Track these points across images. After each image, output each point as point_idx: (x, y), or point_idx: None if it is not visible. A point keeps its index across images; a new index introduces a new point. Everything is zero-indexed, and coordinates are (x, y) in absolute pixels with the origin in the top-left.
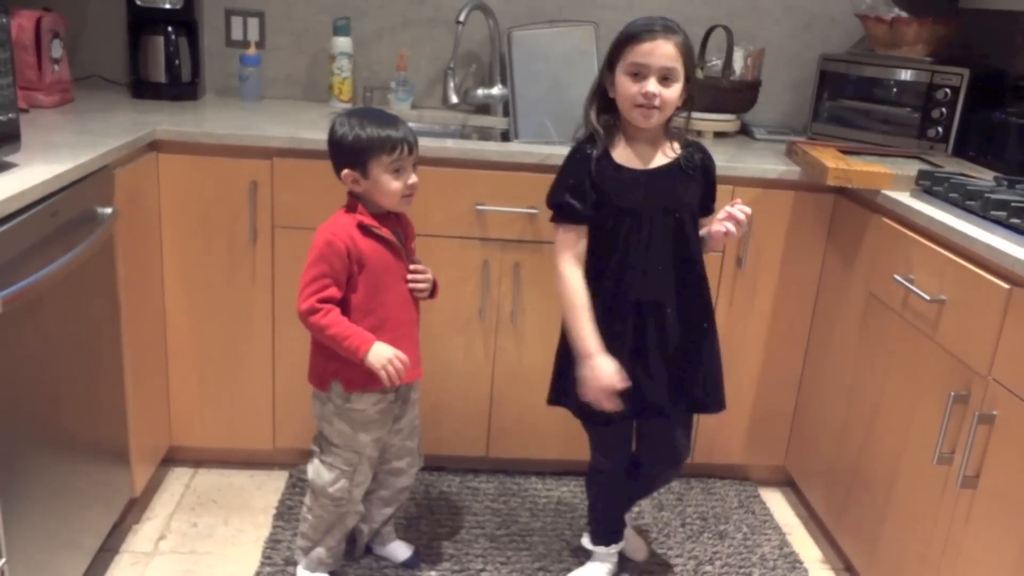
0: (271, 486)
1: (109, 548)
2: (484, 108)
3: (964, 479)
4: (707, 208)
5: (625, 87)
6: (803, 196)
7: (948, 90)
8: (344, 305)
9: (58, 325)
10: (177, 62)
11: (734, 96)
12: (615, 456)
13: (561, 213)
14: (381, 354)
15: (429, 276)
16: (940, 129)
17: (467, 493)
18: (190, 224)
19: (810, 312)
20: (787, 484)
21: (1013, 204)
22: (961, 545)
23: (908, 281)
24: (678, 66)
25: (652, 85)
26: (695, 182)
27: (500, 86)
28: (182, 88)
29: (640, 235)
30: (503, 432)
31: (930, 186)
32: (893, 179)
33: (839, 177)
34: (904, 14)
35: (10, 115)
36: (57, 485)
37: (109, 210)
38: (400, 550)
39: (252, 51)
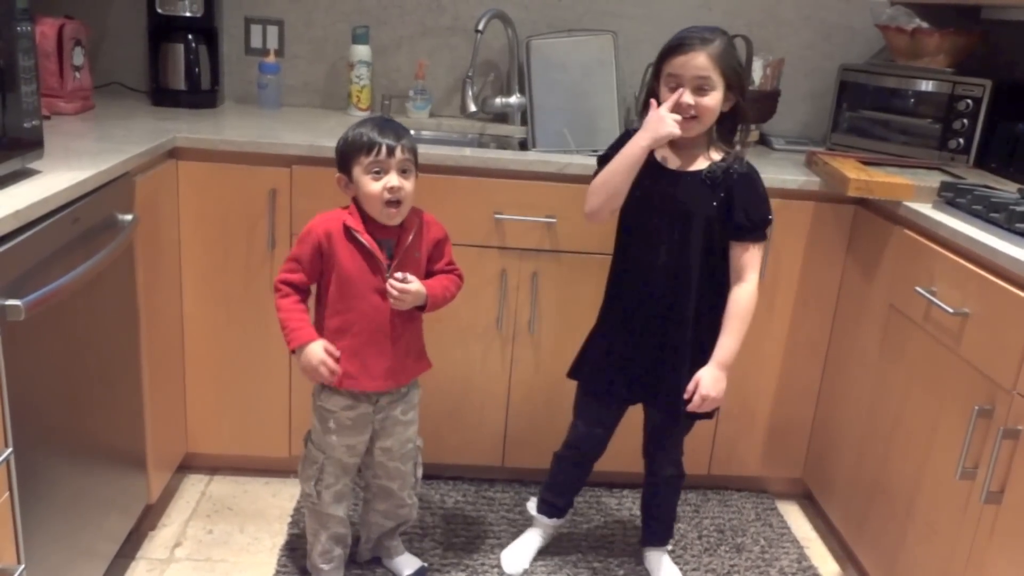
0: (287, 493)
1: (125, 554)
2: (502, 117)
3: (988, 494)
4: (736, 231)
5: (664, 97)
6: (823, 207)
7: (970, 101)
8: (321, 298)
9: (78, 331)
10: (197, 70)
11: (753, 106)
12: (592, 432)
13: (600, 161)
14: (308, 355)
15: (410, 289)
16: (961, 140)
17: (483, 503)
18: (209, 231)
19: (829, 324)
20: (805, 497)
21: None
22: (984, 562)
23: (930, 293)
24: (712, 75)
25: (687, 96)
26: (715, 196)
27: (518, 95)
28: (202, 96)
29: (651, 223)
30: (519, 442)
31: (953, 198)
32: (915, 190)
33: (860, 188)
34: (925, 25)
35: (34, 122)
36: (75, 491)
37: (129, 217)
38: (406, 565)
39: (271, 59)
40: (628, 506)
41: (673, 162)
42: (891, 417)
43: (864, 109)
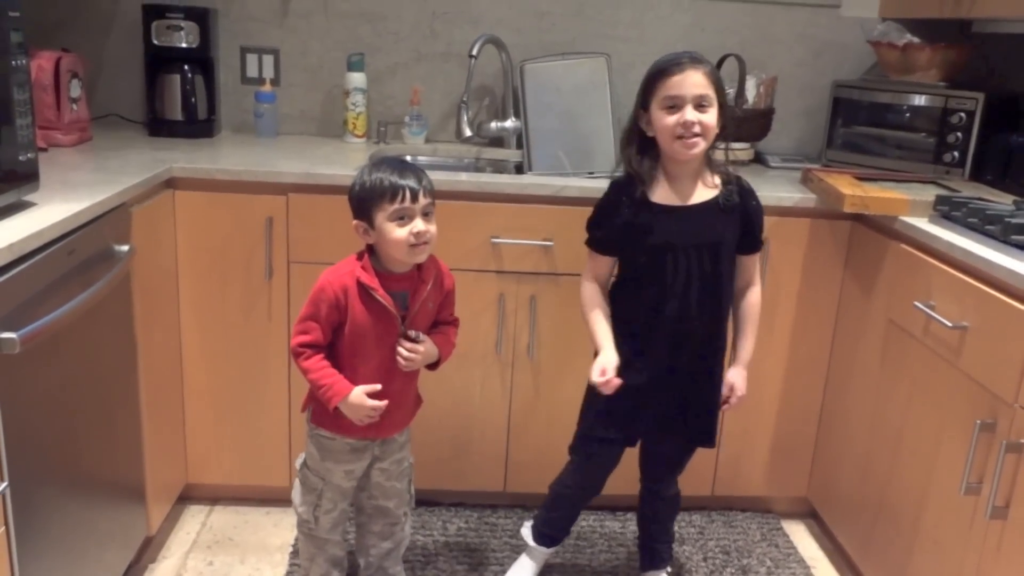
0: (287, 523)
1: None
2: (498, 141)
3: (993, 509)
4: (751, 247)
5: (662, 121)
6: (819, 223)
7: (963, 114)
8: (333, 349)
9: (75, 363)
10: (193, 100)
11: (748, 124)
12: (599, 473)
13: (589, 241)
14: (353, 408)
15: (421, 351)
16: (956, 154)
17: (485, 529)
18: (206, 260)
19: (829, 340)
20: (810, 516)
21: None
22: None
23: (929, 308)
24: (710, 92)
25: (690, 113)
26: (733, 220)
27: (513, 119)
28: (198, 125)
29: (678, 268)
30: (521, 466)
31: (948, 211)
32: (910, 205)
33: (856, 204)
34: (916, 40)
35: (29, 155)
36: (73, 524)
37: (126, 248)
38: None
39: (267, 88)
40: (632, 529)
41: (674, 200)
42: (894, 433)
43: (858, 125)
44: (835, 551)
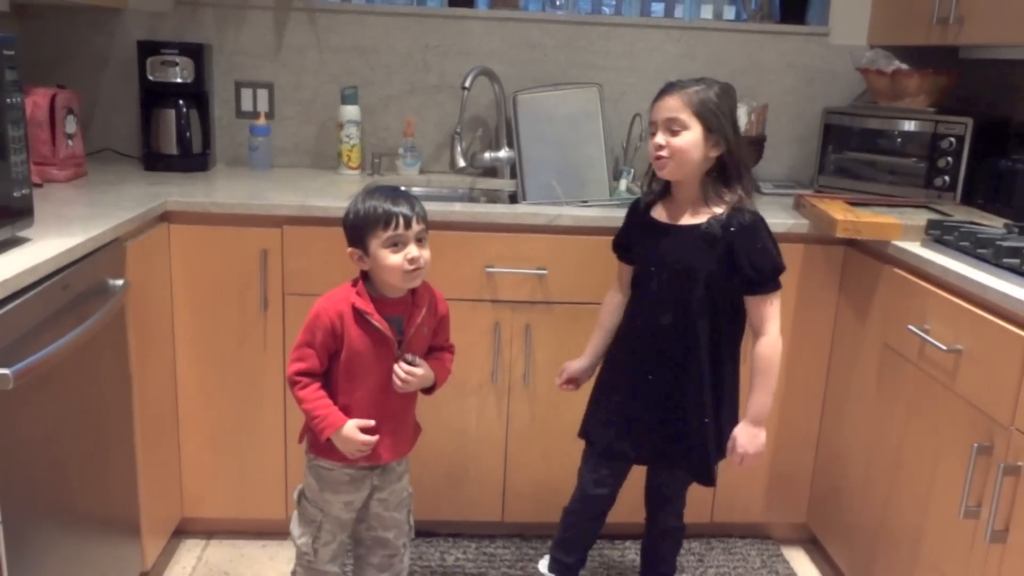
0: (284, 556)
1: None
2: (491, 171)
3: (993, 533)
4: (749, 284)
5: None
6: (813, 249)
7: (953, 139)
8: (328, 375)
9: (69, 398)
10: (188, 134)
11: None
12: (600, 488)
13: (613, 247)
14: (345, 441)
15: (419, 373)
16: (947, 178)
17: (483, 559)
18: (201, 294)
19: (825, 365)
20: (810, 542)
21: None
22: None
23: (923, 331)
24: (683, 116)
25: (658, 137)
26: (714, 250)
27: (507, 149)
28: (193, 159)
29: (651, 286)
30: (519, 496)
31: (940, 235)
32: (902, 229)
33: (848, 229)
34: (904, 66)
35: (24, 191)
36: (67, 559)
37: (120, 282)
38: None
39: (262, 121)
40: (632, 557)
41: (664, 217)
42: (891, 457)
43: (849, 151)
44: None
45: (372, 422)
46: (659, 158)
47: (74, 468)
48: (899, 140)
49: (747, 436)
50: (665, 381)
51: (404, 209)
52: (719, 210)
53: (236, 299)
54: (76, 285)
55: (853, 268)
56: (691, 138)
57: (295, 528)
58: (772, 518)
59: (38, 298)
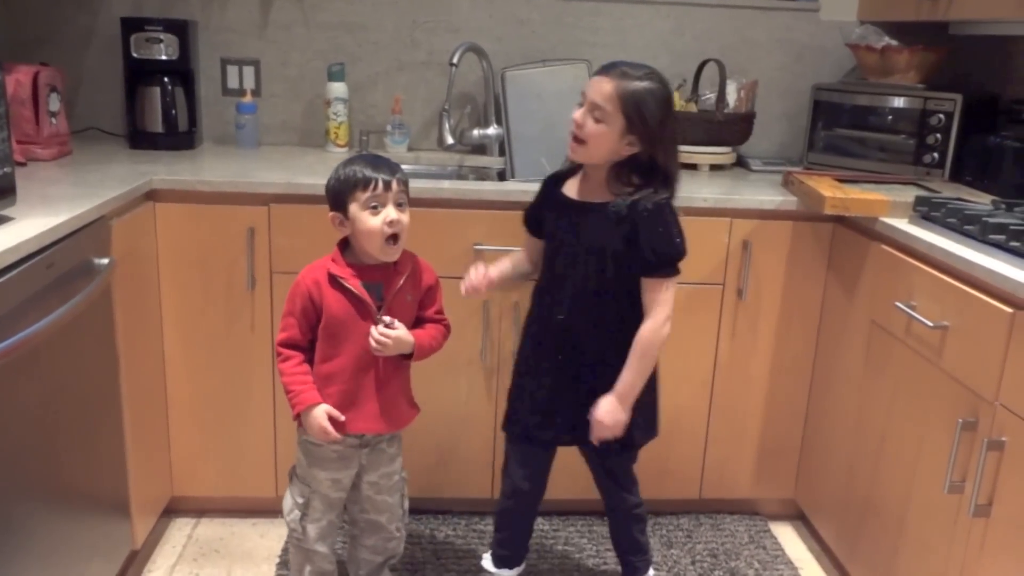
0: (275, 534)
1: None
2: (480, 148)
3: (976, 508)
4: (646, 265)
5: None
6: (801, 226)
7: (942, 116)
8: (313, 346)
9: (56, 377)
10: (174, 112)
11: (728, 129)
12: (525, 479)
13: (524, 221)
14: (309, 421)
15: (392, 335)
16: (936, 155)
17: (473, 536)
18: (188, 272)
19: (813, 342)
20: (798, 517)
21: (1012, 227)
22: (976, 575)
23: (910, 308)
24: (608, 107)
25: (579, 113)
26: (619, 230)
27: (495, 126)
28: (179, 137)
29: (558, 261)
30: None
31: (928, 212)
32: (890, 206)
33: (836, 206)
34: (894, 42)
35: (5, 169)
36: (56, 539)
37: (106, 261)
38: None
39: (248, 99)
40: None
41: (572, 193)
42: (878, 433)
43: (839, 127)
44: (822, 552)
45: (343, 417)
46: (574, 138)
47: (62, 447)
48: (888, 117)
49: (604, 407)
50: (574, 361)
51: (384, 173)
52: (629, 190)
53: (223, 277)
54: (61, 264)
55: (841, 245)
56: (606, 131)
57: (285, 504)
58: (760, 494)
59: (22, 277)
